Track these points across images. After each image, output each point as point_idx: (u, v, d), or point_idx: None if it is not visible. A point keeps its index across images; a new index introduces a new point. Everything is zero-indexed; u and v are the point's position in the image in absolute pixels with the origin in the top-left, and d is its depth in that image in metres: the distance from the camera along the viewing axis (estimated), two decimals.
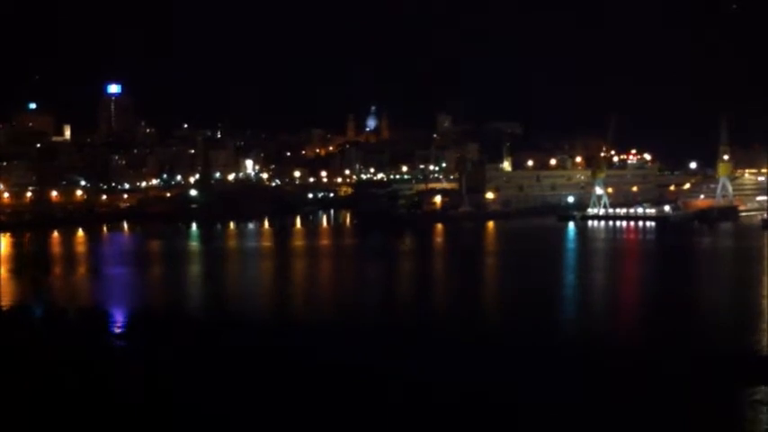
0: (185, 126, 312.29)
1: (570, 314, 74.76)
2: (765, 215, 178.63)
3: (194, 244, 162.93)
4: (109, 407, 45.81)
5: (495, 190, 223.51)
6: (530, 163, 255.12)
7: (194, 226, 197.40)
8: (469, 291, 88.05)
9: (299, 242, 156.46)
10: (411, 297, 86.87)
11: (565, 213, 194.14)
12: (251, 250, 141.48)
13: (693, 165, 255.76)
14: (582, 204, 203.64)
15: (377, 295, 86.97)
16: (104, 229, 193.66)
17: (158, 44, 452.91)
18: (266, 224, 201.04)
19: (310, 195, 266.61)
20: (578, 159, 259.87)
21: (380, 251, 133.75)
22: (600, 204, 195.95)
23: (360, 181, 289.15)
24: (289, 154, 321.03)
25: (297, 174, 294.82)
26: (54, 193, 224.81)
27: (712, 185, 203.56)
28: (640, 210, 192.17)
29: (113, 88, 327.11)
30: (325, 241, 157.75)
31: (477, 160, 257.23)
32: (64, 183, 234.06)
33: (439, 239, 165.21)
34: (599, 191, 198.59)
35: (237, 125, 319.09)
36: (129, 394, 48.38)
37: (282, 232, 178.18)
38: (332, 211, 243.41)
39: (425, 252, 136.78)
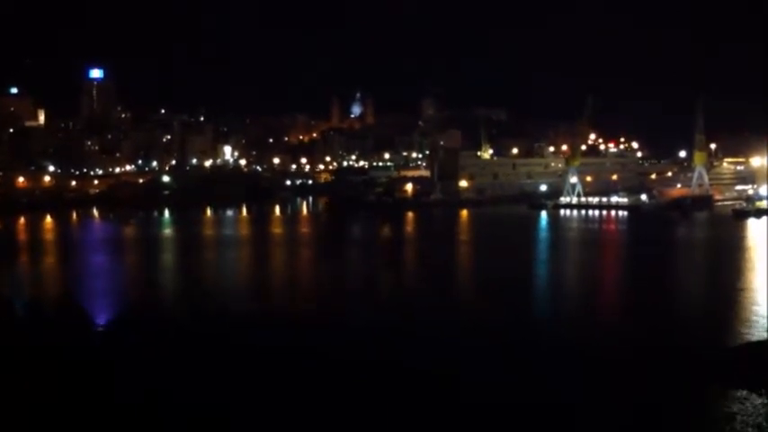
0: (162, 111, 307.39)
1: (544, 310, 71.79)
2: (744, 204, 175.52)
3: (166, 231, 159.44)
4: (106, 408, 44.00)
5: (470, 177, 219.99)
6: (515, 151, 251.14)
7: (167, 213, 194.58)
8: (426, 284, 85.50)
9: (274, 229, 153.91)
10: (377, 290, 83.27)
11: (537, 202, 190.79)
12: (225, 239, 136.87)
13: (683, 153, 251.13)
14: (557, 192, 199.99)
15: (346, 287, 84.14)
16: (74, 215, 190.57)
17: (143, 27, 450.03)
18: (244, 211, 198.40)
19: (288, 182, 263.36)
20: (564, 147, 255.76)
21: (344, 239, 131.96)
22: (573, 193, 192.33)
23: (340, 168, 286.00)
24: (271, 140, 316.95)
25: (276, 160, 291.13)
26: (21, 179, 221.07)
27: (689, 174, 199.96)
28: (614, 199, 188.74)
29: (95, 73, 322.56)
30: (297, 229, 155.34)
31: (451, 147, 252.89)
32: (33, 168, 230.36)
33: (408, 228, 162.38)
34: (573, 179, 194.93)
35: (220, 110, 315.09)
36: (123, 395, 46.36)
37: (259, 219, 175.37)
38: (310, 198, 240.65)
39: (392, 240, 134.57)
